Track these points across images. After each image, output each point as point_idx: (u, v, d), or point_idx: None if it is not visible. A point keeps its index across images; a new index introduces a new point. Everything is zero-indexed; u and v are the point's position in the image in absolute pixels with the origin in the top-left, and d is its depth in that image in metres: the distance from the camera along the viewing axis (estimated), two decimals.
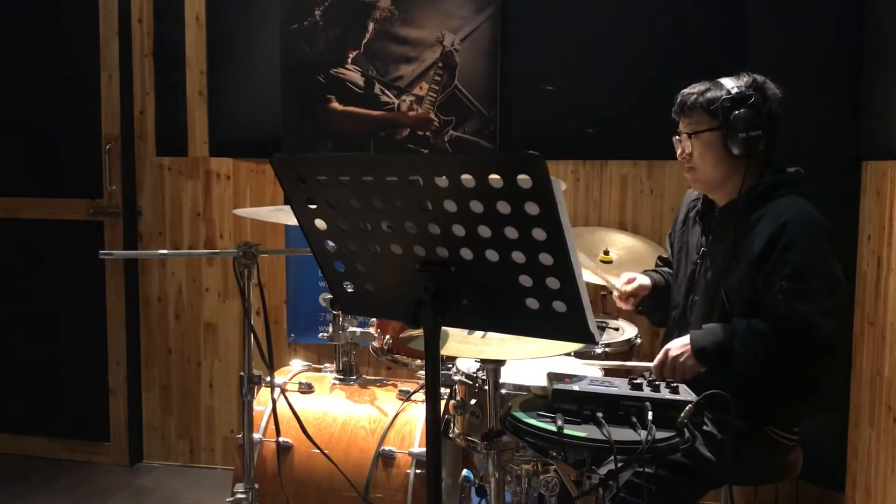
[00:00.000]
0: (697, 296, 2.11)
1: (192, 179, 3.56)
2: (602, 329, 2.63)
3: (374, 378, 2.69)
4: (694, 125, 2.04)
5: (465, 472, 2.28)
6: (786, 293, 1.88)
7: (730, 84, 2.01)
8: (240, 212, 2.66)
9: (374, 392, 2.51)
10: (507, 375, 2.02)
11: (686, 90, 2.06)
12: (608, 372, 2.14)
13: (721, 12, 3.00)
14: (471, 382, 2.07)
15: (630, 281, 2.28)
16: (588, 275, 2.55)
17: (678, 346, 1.96)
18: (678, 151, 2.10)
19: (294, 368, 2.68)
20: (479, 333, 1.94)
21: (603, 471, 1.61)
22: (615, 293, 2.29)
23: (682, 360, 1.94)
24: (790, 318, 1.87)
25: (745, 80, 2.01)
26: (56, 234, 3.65)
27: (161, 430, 3.69)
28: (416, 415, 2.38)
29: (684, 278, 2.18)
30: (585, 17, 3.11)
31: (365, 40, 3.27)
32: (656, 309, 2.32)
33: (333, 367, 2.68)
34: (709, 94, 2.01)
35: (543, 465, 1.99)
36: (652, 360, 2.03)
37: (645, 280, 2.29)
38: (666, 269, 2.39)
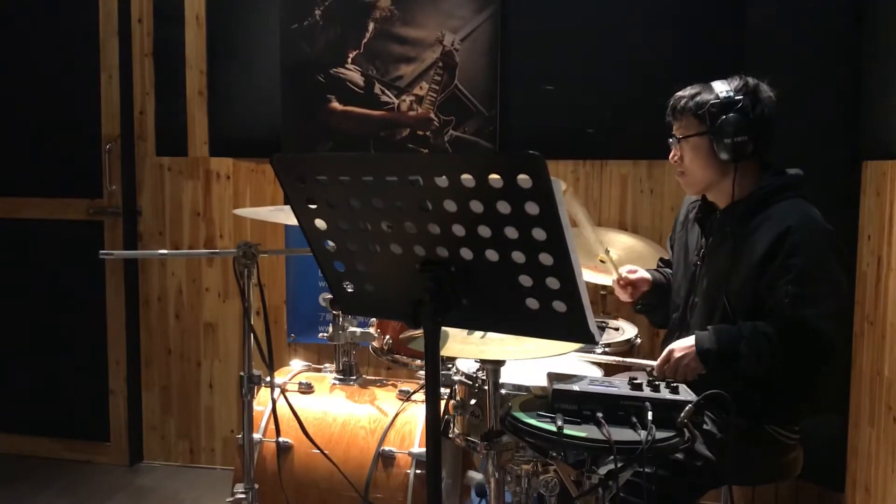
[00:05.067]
0: (698, 298, 2.11)
1: (192, 179, 3.56)
2: (602, 329, 2.63)
3: (374, 378, 2.69)
4: (683, 129, 2.05)
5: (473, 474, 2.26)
6: (790, 298, 1.88)
7: (720, 88, 2.00)
8: (240, 212, 2.66)
9: (374, 392, 2.51)
10: (507, 375, 2.02)
11: (679, 93, 2.07)
12: (608, 370, 2.14)
13: (721, 12, 3.00)
14: (470, 382, 2.07)
15: (632, 271, 2.29)
16: (590, 274, 2.56)
17: (682, 346, 1.96)
18: (671, 154, 2.11)
19: (294, 368, 2.68)
20: (478, 333, 1.94)
21: (603, 471, 1.61)
22: (615, 277, 2.29)
23: (685, 361, 1.94)
24: (794, 323, 1.87)
25: (736, 83, 2.01)
26: (56, 234, 3.65)
27: (161, 431, 3.69)
28: (416, 415, 2.38)
29: (684, 280, 2.19)
30: (585, 17, 3.11)
31: (365, 40, 3.26)
32: (657, 307, 2.32)
33: (333, 367, 2.68)
34: (698, 99, 2.01)
35: (543, 466, 1.99)
36: (652, 360, 2.03)
37: (646, 274, 2.30)
38: (668, 269, 2.39)
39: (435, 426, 1.31)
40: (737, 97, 1.97)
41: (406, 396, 2.45)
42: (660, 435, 1.52)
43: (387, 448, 2.30)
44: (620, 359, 2.13)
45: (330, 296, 2.51)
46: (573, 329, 1.27)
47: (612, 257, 2.36)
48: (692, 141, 2.04)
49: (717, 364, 1.92)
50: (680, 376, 1.93)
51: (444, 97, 3.22)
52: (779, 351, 1.88)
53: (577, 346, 2.00)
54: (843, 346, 1.98)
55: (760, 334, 1.90)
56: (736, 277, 1.99)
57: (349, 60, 3.28)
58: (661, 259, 2.49)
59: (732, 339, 1.91)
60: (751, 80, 2.02)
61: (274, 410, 2.33)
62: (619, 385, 1.64)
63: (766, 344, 1.88)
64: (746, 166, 2.02)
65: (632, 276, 2.28)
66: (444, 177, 1.19)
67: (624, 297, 2.31)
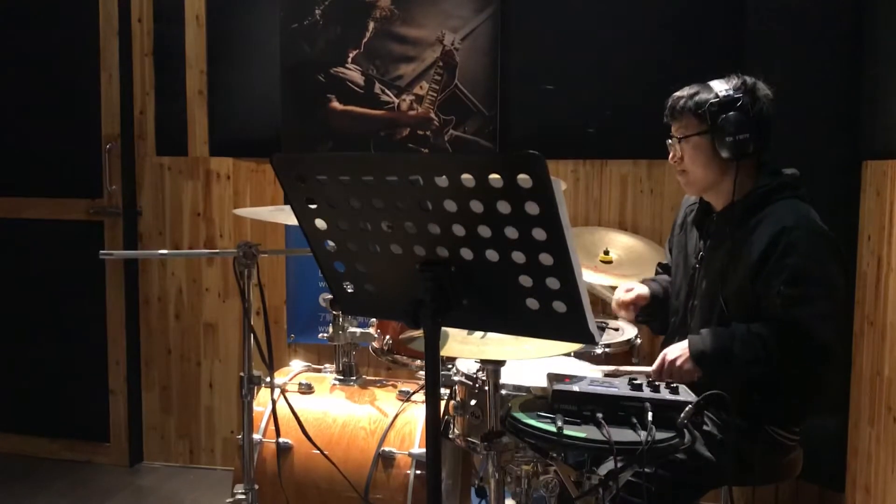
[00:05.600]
0: (697, 300, 2.11)
1: (192, 179, 3.56)
2: (602, 329, 2.62)
3: (374, 378, 2.69)
4: (683, 129, 2.04)
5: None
6: (784, 298, 1.87)
7: (718, 87, 2.00)
8: (240, 212, 2.66)
9: (374, 392, 2.51)
10: (507, 376, 2.01)
11: (676, 93, 2.06)
12: (607, 374, 2.13)
13: (721, 12, 3.00)
14: (471, 383, 2.07)
15: (629, 290, 2.28)
16: (590, 275, 2.55)
17: (676, 350, 1.96)
18: (670, 155, 2.10)
19: (294, 369, 2.67)
20: (478, 334, 1.94)
21: (603, 471, 1.61)
22: (613, 303, 2.29)
23: (679, 364, 1.94)
24: (788, 324, 1.87)
25: (734, 81, 2.00)
26: (56, 234, 3.65)
27: (161, 431, 3.69)
28: (416, 415, 2.38)
29: (683, 283, 2.18)
30: (585, 17, 3.11)
31: (365, 40, 3.26)
32: (655, 318, 2.31)
33: (333, 367, 2.68)
34: (697, 98, 2.00)
35: (543, 466, 1.98)
36: (651, 362, 2.03)
37: (643, 289, 2.28)
38: (665, 276, 2.39)
39: (435, 427, 1.30)
40: (736, 95, 1.97)
41: (406, 397, 2.45)
42: (660, 435, 1.52)
43: (387, 449, 2.30)
44: (617, 367, 2.12)
45: (330, 296, 2.50)
46: (573, 329, 1.27)
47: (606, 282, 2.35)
48: (693, 140, 2.03)
49: (712, 366, 1.92)
50: (676, 380, 1.93)
51: (445, 97, 3.21)
52: (773, 351, 1.87)
53: (577, 346, 2.00)
54: (842, 347, 1.97)
55: (754, 335, 1.89)
56: (733, 279, 1.99)
57: (349, 60, 3.28)
58: (659, 264, 2.48)
59: (726, 341, 1.91)
60: (748, 79, 2.01)
61: (274, 411, 2.33)
62: (619, 385, 1.64)
63: (760, 345, 1.88)
64: (745, 166, 2.02)
65: (629, 297, 2.25)
66: (444, 177, 1.19)
67: (624, 315, 2.30)
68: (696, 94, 2.01)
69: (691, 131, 2.02)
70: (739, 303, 1.97)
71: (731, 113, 1.95)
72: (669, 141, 2.10)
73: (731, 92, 1.98)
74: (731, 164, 2.01)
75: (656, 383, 1.65)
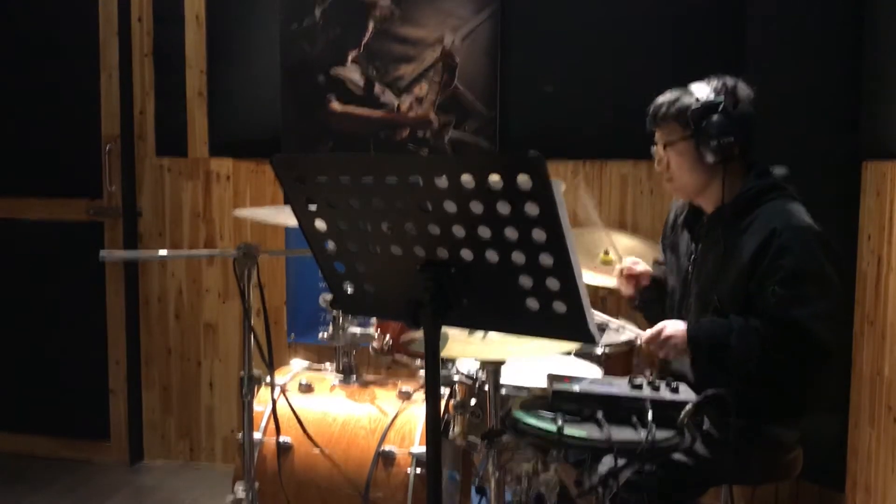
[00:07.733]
0: (691, 299, 2.11)
1: (192, 180, 3.56)
2: (602, 329, 2.62)
3: (374, 378, 2.69)
4: (667, 135, 2.05)
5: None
6: (778, 299, 1.87)
7: (699, 91, 2.00)
8: (240, 212, 2.66)
9: (375, 392, 2.52)
10: (507, 376, 2.02)
11: (658, 100, 2.06)
12: (607, 366, 2.14)
13: (721, 12, 3.00)
14: (471, 382, 2.07)
15: (635, 263, 2.28)
16: (590, 275, 2.55)
17: (673, 328, 1.97)
18: (656, 162, 2.10)
19: (294, 368, 2.68)
20: (479, 334, 1.94)
21: (603, 470, 1.61)
22: (618, 267, 2.28)
23: (673, 341, 1.95)
24: (784, 324, 1.87)
25: (714, 84, 2.00)
26: (56, 234, 3.65)
27: (161, 430, 3.69)
28: (416, 414, 2.38)
29: (677, 283, 2.19)
30: (585, 17, 3.11)
31: (365, 40, 3.27)
32: (655, 303, 2.31)
33: (333, 367, 2.68)
34: (678, 104, 2.00)
35: (544, 465, 1.99)
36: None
37: (648, 268, 2.29)
38: (664, 267, 2.39)
39: (435, 426, 1.31)
40: (717, 99, 1.97)
41: (406, 396, 2.45)
42: (660, 435, 1.53)
43: (387, 447, 2.31)
44: (612, 318, 2.10)
45: (330, 296, 2.51)
46: (573, 329, 1.27)
47: (617, 251, 2.36)
48: (677, 147, 2.03)
49: (707, 353, 1.92)
50: (664, 353, 1.95)
51: (444, 97, 3.22)
52: (769, 348, 1.88)
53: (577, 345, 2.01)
54: (841, 346, 1.97)
55: (751, 329, 1.90)
56: (726, 281, 1.99)
57: (349, 60, 3.28)
58: (655, 260, 2.49)
59: (723, 331, 1.92)
60: (728, 80, 2.01)
61: (274, 410, 2.33)
62: (620, 385, 1.65)
63: (756, 339, 1.88)
64: (733, 168, 2.01)
65: (635, 269, 2.27)
66: (443, 177, 1.19)
67: (626, 289, 2.30)
68: (678, 99, 2.01)
69: (675, 137, 2.03)
70: (732, 304, 1.97)
71: (714, 117, 1.95)
72: (654, 147, 2.10)
73: (711, 95, 1.97)
74: (717, 168, 2.01)
75: (656, 382, 1.65)
